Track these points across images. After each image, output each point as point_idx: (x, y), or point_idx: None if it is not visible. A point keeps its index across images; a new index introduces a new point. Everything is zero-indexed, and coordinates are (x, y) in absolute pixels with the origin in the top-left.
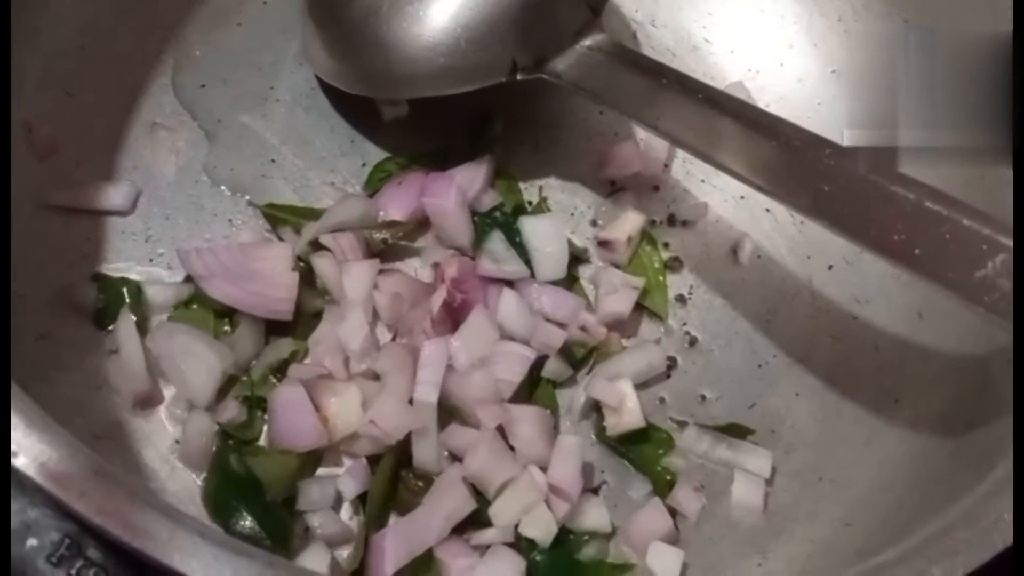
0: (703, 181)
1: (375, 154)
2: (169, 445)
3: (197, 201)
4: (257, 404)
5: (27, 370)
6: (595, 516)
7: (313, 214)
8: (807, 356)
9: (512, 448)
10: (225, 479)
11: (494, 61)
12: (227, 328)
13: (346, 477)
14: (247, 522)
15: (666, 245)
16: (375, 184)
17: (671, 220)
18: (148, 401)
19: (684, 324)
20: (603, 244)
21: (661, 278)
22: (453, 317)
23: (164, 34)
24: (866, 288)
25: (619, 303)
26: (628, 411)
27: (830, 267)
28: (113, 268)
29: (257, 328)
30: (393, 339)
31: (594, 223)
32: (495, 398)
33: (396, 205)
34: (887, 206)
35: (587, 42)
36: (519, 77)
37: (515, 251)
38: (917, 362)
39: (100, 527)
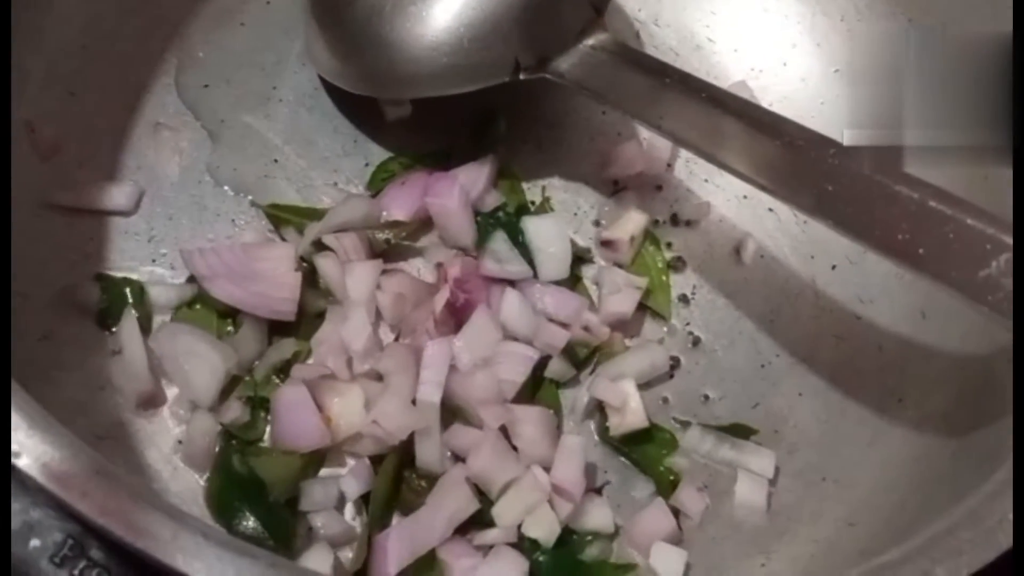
0: (706, 181)
1: (378, 154)
2: (172, 445)
3: (200, 201)
4: (260, 404)
5: (30, 370)
6: (598, 516)
7: (316, 214)
8: (811, 356)
9: (515, 448)
10: (228, 479)
11: (497, 61)
12: (230, 328)
13: (349, 477)
14: (250, 522)
15: (669, 245)
16: (378, 184)
17: (674, 220)
18: (151, 401)
19: (687, 324)
20: (606, 244)
21: (664, 278)
22: (456, 317)
23: (167, 34)
24: (870, 288)
25: (622, 303)
26: (631, 411)
27: (833, 267)
28: (116, 268)
29: (260, 328)
30: (396, 339)
31: (597, 223)
32: (498, 398)
33: (399, 205)
34: (891, 205)
35: (590, 41)
36: (522, 77)
37: (518, 251)
38: (920, 362)
39: (103, 528)
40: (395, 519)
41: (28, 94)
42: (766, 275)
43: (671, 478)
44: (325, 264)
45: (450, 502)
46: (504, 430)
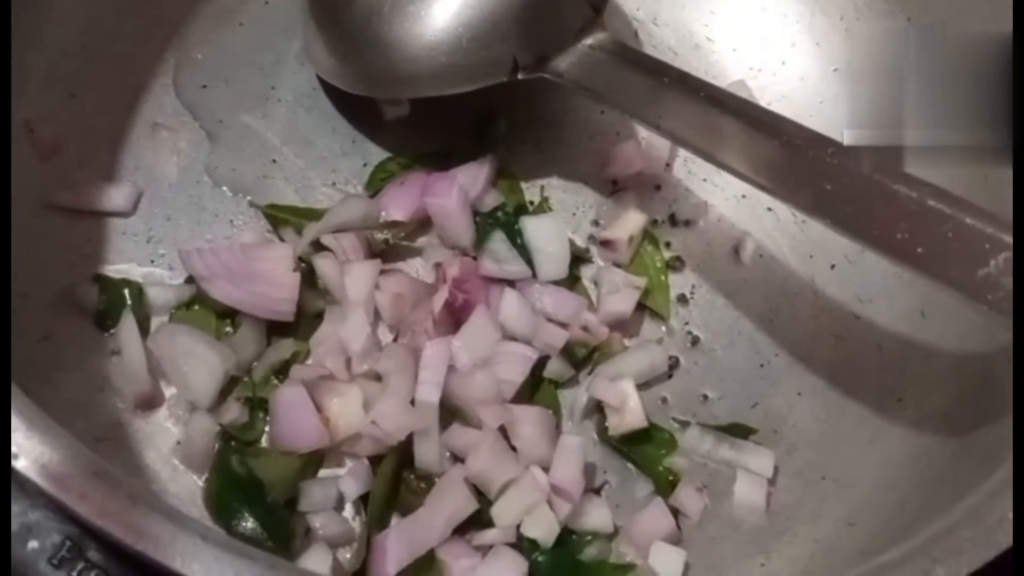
0: (705, 180)
1: (377, 154)
2: (171, 446)
3: (199, 202)
4: (259, 405)
5: (29, 371)
6: (597, 516)
7: (314, 214)
8: (810, 355)
9: (514, 448)
10: (227, 480)
11: (496, 60)
12: (229, 329)
13: (348, 478)
14: (249, 523)
15: (668, 244)
16: (377, 184)
17: (673, 219)
18: (150, 402)
19: (686, 324)
20: (605, 244)
21: (663, 278)
22: (455, 317)
23: (166, 34)
24: (869, 287)
25: (621, 303)
26: (630, 411)
27: (832, 266)
28: (114, 269)
29: (259, 329)
30: (395, 339)
31: (596, 223)
32: (497, 398)
33: (398, 205)
34: (890, 205)
35: (589, 41)
36: (521, 76)
37: (517, 251)
38: (920, 361)
39: (101, 529)
40: (394, 519)
41: (28, 94)
42: (765, 274)
43: (670, 478)
44: (324, 264)
45: (449, 502)
46: (503, 430)
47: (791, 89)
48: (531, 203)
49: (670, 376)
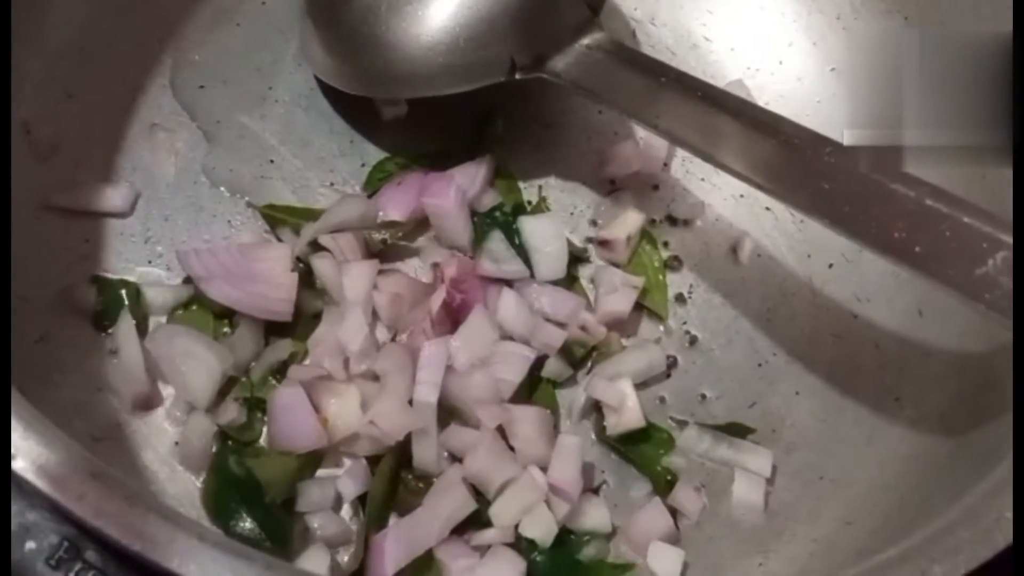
0: (703, 180)
1: (374, 154)
2: (168, 447)
3: (196, 202)
4: (257, 405)
5: (27, 372)
6: (595, 516)
7: (312, 215)
8: (808, 355)
9: (512, 448)
10: (225, 481)
11: (493, 60)
12: (226, 329)
13: (346, 478)
14: (247, 524)
15: (666, 244)
16: (374, 184)
17: (671, 219)
18: (148, 403)
19: (684, 323)
20: (603, 243)
21: (661, 277)
22: (453, 317)
23: (163, 35)
24: (867, 286)
25: (619, 302)
26: (628, 411)
27: (830, 265)
28: (112, 270)
29: (256, 329)
30: (393, 339)
31: (594, 222)
32: (495, 398)
33: (395, 205)
34: (887, 204)
35: (586, 41)
36: (518, 76)
37: (515, 251)
38: (918, 360)
39: (99, 530)
40: (392, 520)
41: (25, 95)
42: (763, 274)
43: (668, 478)
44: (321, 265)
45: (447, 502)
46: (501, 430)
47: (789, 88)
48: (529, 203)
49: (668, 376)
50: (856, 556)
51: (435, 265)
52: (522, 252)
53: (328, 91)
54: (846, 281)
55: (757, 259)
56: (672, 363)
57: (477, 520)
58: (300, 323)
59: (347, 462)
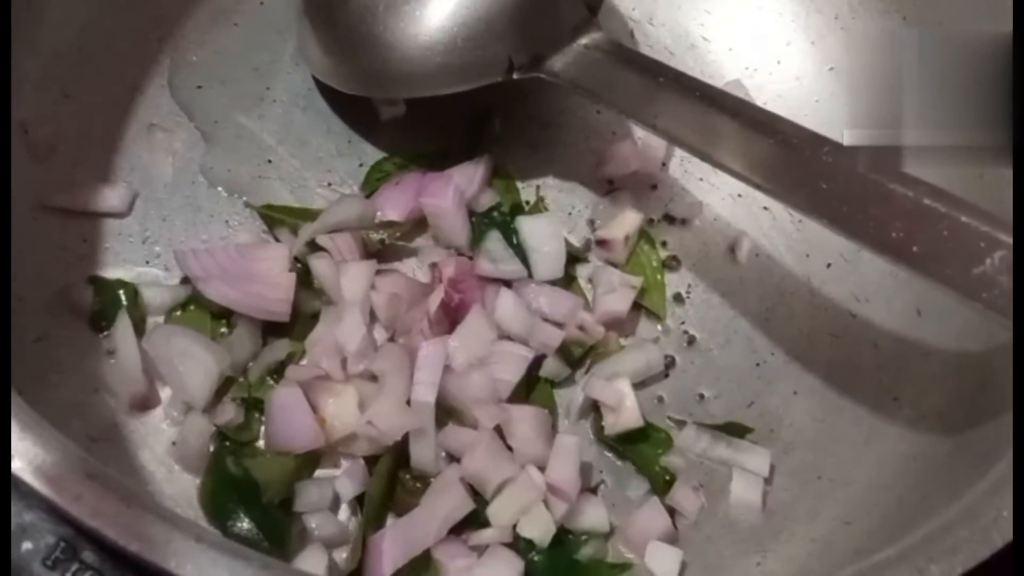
0: (701, 180)
1: (372, 154)
2: (166, 447)
3: (194, 202)
4: (254, 406)
5: (24, 372)
6: (593, 516)
7: (310, 215)
8: (806, 354)
9: (510, 448)
10: (222, 481)
11: (491, 60)
12: (224, 330)
13: (344, 478)
14: (244, 524)
15: (664, 244)
16: (372, 184)
17: (669, 219)
18: (145, 403)
19: (682, 323)
20: (601, 243)
21: (659, 277)
22: (451, 317)
23: (161, 35)
24: (865, 286)
25: (617, 302)
26: (626, 410)
27: (828, 265)
28: (110, 270)
29: (254, 329)
30: (390, 339)
31: (592, 222)
32: (493, 398)
33: (393, 205)
34: (885, 204)
35: (584, 40)
36: (516, 76)
37: (512, 251)
38: (916, 360)
39: (96, 530)
40: (390, 520)
41: (23, 95)
42: (761, 274)
43: (666, 477)
44: (319, 265)
45: (445, 502)
46: (499, 430)
47: (787, 88)
48: (527, 203)
49: (666, 375)
50: (854, 555)
51: (433, 265)
52: (520, 252)
53: (326, 91)
54: (844, 281)
55: (755, 259)
56: (670, 363)
57: (475, 520)
58: (298, 323)
59: (345, 462)
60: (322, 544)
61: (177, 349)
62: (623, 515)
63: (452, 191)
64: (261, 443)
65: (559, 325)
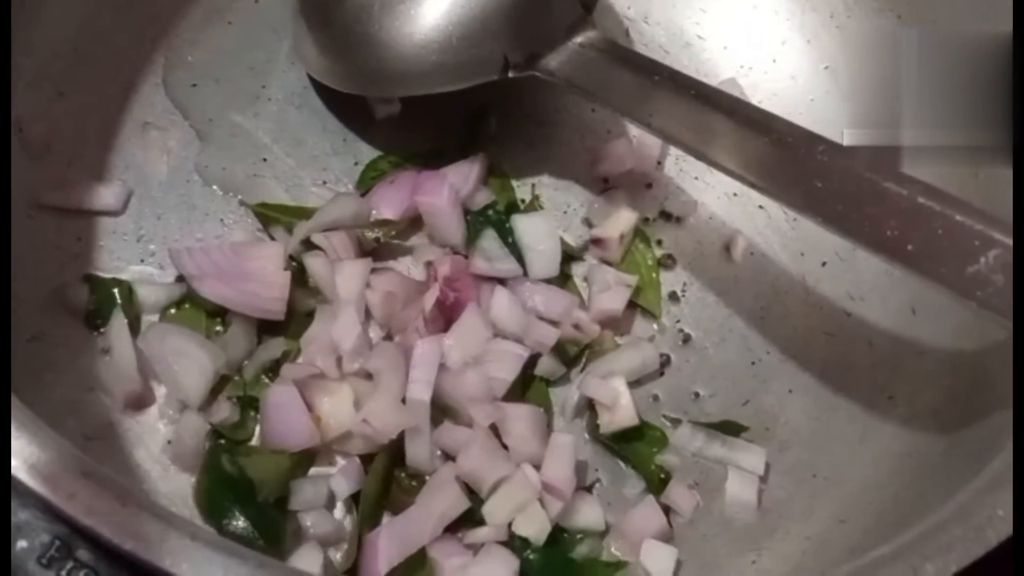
0: (696, 178)
1: (367, 152)
2: (161, 446)
3: (189, 201)
4: (249, 404)
5: (20, 371)
6: (589, 514)
7: (305, 213)
8: (801, 353)
9: (505, 447)
10: (217, 479)
11: (486, 58)
12: (219, 328)
13: (339, 476)
14: (240, 522)
15: (659, 242)
16: (367, 183)
17: (664, 217)
18: (140, 402)
19: (677, 321)
20: (596, 242)
21: (654, 275)
22: (446, 315)
23: (156, 34)
24: (860, 284)
25: (612, 301)
26: (622, 409)
27: (823, 264)
28: (105, 269)
29: (249, 328)
30: (386, 338)
31: (587, 221)
32: (488, 396)
33: (388, 204)
34: (880, 202)
35: (579, 39)
36: (511, 75)
37: (508, 249)
38: (911, 358)
39: (90, 528)
40: (385, 518)
41: (17, 94)
42: (756, 272)
43: (662, 476)
44: (314, 263)
45: (440, 501)
46: (494, 428)
47: (782, 87)
48: (522, 201)
49: (661, 374)
50: (849, 554)
51: (428, 263)
52: (515, 250)
53: (321, 89)
54: (839, 279)
55: (750, 257)
56: (665, 361)
57: (470, 518)
58: (293, 322)
59: (340, 460)
60: (318, 542)
61: (172, 347)
62: (618, 513)
63: (447, 189)
64: (256, 441)
65: (554, 323)
